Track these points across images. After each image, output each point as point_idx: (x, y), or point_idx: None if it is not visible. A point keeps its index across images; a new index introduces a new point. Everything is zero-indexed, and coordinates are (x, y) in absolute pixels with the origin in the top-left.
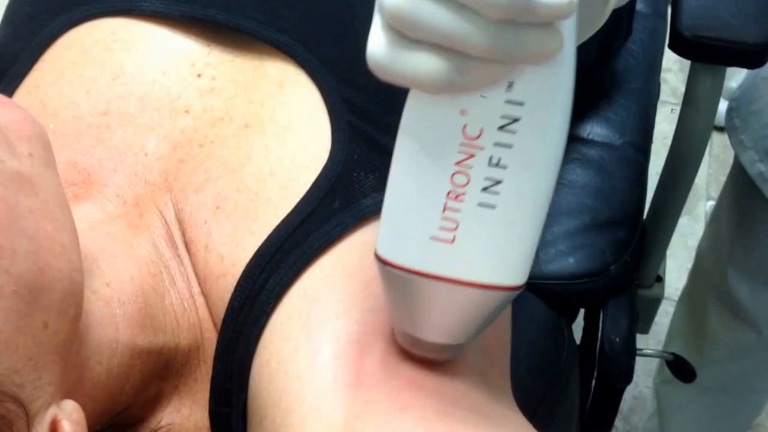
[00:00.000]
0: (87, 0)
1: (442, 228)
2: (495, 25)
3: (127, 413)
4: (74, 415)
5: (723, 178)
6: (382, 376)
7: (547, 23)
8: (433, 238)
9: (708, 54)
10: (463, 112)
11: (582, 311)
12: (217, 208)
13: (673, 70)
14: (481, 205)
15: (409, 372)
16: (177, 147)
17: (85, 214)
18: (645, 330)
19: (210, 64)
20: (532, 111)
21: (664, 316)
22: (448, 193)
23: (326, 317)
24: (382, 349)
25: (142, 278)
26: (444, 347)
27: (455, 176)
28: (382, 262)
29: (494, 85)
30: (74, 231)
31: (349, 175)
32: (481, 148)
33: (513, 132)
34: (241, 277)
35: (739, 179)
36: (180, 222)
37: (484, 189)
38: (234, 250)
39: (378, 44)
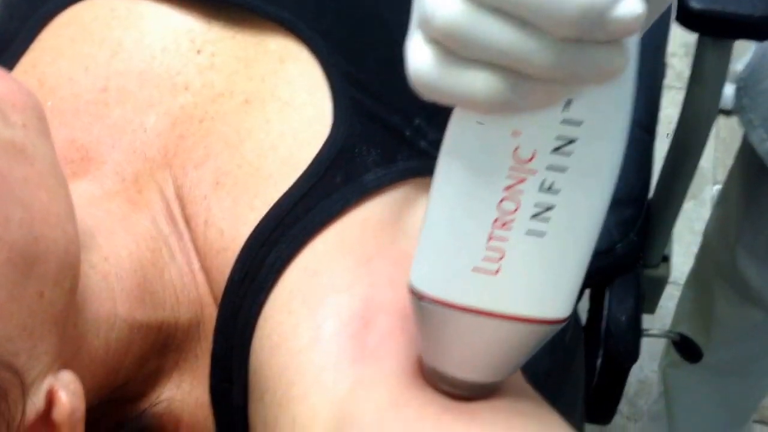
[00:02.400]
0: None
1: (486, 258)
2: (560, 43)
3: (126, 388)
4: (71, 386)
5: (730, 162)
6: (395, 350)
7: (614, 40)
8: (476, 269)
9: (715, 27)
10: (515, 134)
11: (587, 293)
12: (217, 183)
13: (679, 54)
14: (529, 233)
15: (413, 347)
16: (176, 123)
17: (83, 191)
18: (651, 310)
19: (210, 40)
20: (590, 131)
21: (670, 299)
22: (495, 220)
23: (328, 292)
24: (385, 324)
25: (141, 253)
26: (479, 386)
27: (503, 203)
28: (416, 295)
29: (553, 104)
30: (70, 202)
31: (350, 151)
32: (533, 172)
33: (568, 154)
34: (242, 252)
35: (748, 159)
36: (179, 198)
37: (534, 216)
38: (234, 224)
39: (424, 61)
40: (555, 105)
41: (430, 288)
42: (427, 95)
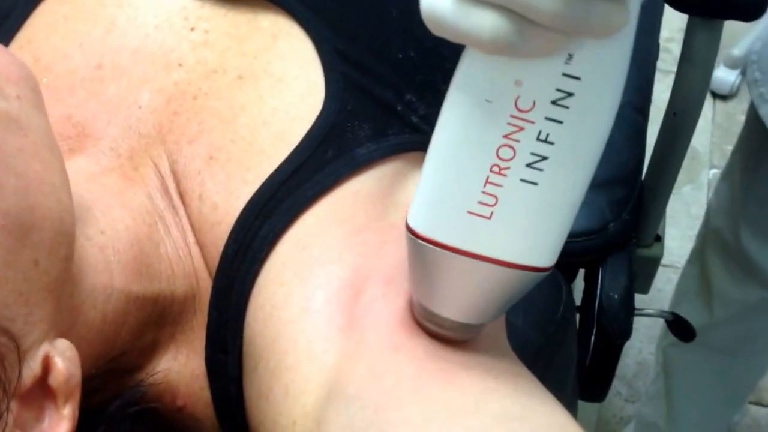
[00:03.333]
0: None
1: (480, 203)
2: None
3: (123, 359)
4: (67, 353)
5: (726, 147)
6: (374, 319)
7: None
8: (471, 213)
9: (705, 7)
10: (518, 83)
11: (581, 273)
12: (211, 158)
13: (676, 39)
14: (523, 180)
15: (402, 314)
16: (170, 99)
17: (79, 167)
18: (645, 290)
19: (203, 17)
20: (588, 87)
21: (667, 283)
22: (492, 166)
23: (319, 263)
24: (374, 293)
25: (137, 227)
26: (463, 326)
27: (501, 149)
28: (413, 234)
29: (553, 55)
30: (64, 173)
31: (342, 125)
32: (532, 122)
33: (565, 107)
34: (235, 225)
35: (755, 134)
36: (174, 173)
37: (529, 164)
38: (228, 198)
39: None
40: (557, 56)
41: (426, 229)
42: (438, 31)
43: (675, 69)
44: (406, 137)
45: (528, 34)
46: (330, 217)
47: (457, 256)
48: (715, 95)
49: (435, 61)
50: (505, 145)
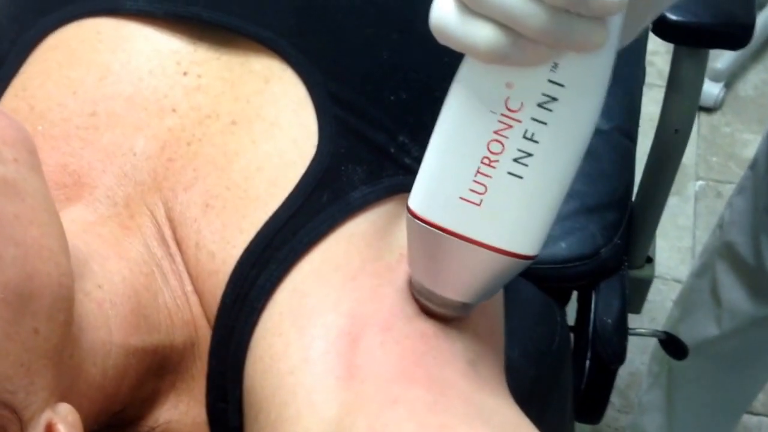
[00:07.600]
0: (72, 0)
1: (471, 190)
2: (552, 11)
3: (125, 412)
4: (69, 418)
5: (712, 158)
6: (373, 369)
7: (597, 17)
8: (462, 199)
9: (691, 37)
10: (509, 85)
11: (574, 294)
12: (207, 205)
13: (660, 52)
14: (510, 174)
15: (400, 362)
16: (165, 146)
17: (76, 216)
18: (637, 310)
19: (196, 62)
20: (570, 94)
21: (656, 293)
22: (483, 158)
23: (316, 312)
24: (372, 342)
25: (134, 278)
26: (452, 304)
27: (491, 144)
28: (411, 214)
29: (541, 63)
30: (62, 235)
31: (336, 169)
32: (519, 121)
33: (550, 110)
34: (232, 275)
35: None
36: (170, 221)
37: (516, 159)
38: (224, 247)
39: (443, 10)
40: (544, 65)
41: (423, 210)
42: (442, 40)
43: (659, 82)
44: (400, 179)
45: (519, 46)
46: (326, 263)
47: (448, 237)
48: (700, 108)
49: (427, 102)
50: (495, 140)
